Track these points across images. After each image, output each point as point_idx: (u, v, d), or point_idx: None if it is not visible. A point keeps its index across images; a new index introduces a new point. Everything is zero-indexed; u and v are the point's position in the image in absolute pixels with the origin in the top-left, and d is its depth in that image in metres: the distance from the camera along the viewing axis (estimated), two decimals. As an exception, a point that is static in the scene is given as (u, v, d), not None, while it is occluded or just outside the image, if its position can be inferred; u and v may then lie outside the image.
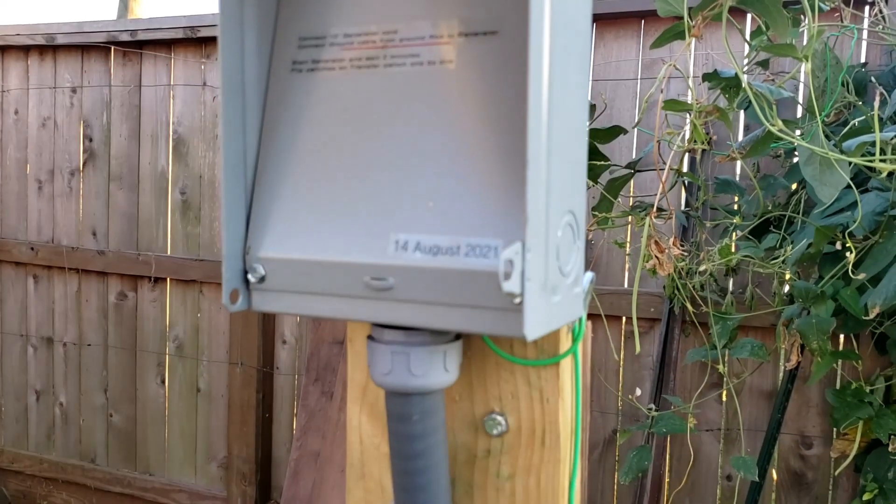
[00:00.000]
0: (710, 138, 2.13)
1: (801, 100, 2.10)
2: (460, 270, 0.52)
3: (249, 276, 0.59)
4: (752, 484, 2.20)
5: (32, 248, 3.35)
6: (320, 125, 0.57)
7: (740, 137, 2.28)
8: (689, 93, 1.14)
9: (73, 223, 3.32)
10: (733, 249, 1.79)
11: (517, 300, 0.49)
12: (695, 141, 1.94)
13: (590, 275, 0.59)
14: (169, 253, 3.17)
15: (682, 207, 1.95)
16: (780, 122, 1.16)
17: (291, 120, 0.58)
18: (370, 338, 0.59)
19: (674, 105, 1.21)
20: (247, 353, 3.01)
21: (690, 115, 1.25)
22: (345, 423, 2.75)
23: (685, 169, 2.10)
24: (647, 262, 1.27)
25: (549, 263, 0.51)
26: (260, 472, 3.03)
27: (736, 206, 2.01)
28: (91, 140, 3.27)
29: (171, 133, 3.14)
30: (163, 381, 3.23)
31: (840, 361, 2.27)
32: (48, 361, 3.41)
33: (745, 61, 1.78)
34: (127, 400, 3.29)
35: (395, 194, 0.54)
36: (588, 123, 0.48)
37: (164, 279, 3.18)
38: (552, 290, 0.52)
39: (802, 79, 2.04)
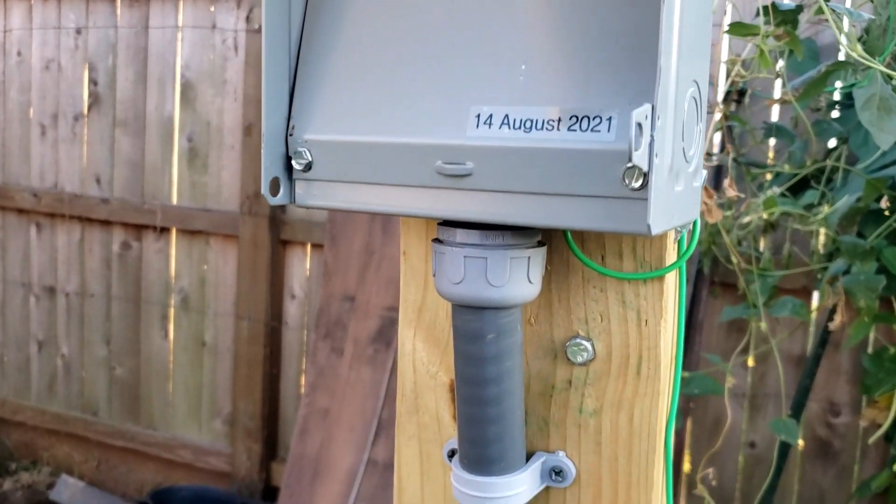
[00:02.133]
0: (747, 90, 2.02)
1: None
2: (560, 150, 0.42)
3: (294, 163, 0.49)
4: (778, 452, 2.11)
5: (35, 195, 3.25)
6: None
7: (777, 92, 2.17)
8: (759, 15, 1.04)
9: (76, 170, 3.21)
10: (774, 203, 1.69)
11: (637, 183, 0.40)
12: (735, 86, 1.82)
13: (706, 172, 0.49)
14: (175, 202, 3.07)
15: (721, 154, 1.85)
16: (859, 48, 1.05)
17: None
18: (437, 241, 0.49)
19: (739, 29, 1.10)
20: (254, 307, 2.93)
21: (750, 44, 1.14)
22: (354, 381, 2.67)
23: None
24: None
25: (675, 141, 0.41)
26: (266, 429, 2.96)
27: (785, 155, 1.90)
28: (96, 84, 3.16)
29: (178, 77, 3.02)
30: (167, 335, 3.15)
31: (874, 326, 2.18)
32: (50, 312, 3.33)
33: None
34: (130, 353, 3.21)
35: (476, 58, 0.44)
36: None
37: (170, 229, 3.09)
38: (676, 177, 0.43)
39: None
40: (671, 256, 0.52)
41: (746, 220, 1.51)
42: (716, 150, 1.88)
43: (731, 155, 1.46)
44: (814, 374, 2.13)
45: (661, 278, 0.51)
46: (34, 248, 3.33)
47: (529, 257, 0.48)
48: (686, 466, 2.42)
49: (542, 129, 0.42)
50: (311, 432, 2.71)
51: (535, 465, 0.54)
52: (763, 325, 1.67)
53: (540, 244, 0.50)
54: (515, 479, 0.52)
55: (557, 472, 0.55)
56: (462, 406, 0.51)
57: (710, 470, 1.76)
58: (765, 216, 1.62)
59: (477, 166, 0.44)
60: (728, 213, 1.67)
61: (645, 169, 0.39)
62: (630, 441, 0.54)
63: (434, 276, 0.50)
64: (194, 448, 3.07)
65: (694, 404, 2.41)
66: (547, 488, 0.56)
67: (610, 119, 0.40)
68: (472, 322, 0.49)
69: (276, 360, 2.98)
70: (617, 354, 0.53)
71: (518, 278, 0.48)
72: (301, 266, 2.95)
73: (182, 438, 3.11)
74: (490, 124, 0.43)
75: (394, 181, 0.47)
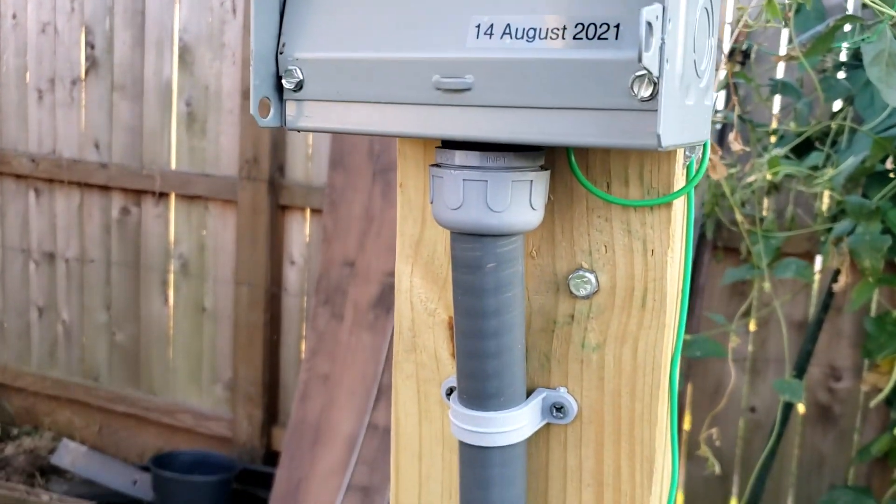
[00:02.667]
0: (753, 46, 1.99)
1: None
2: (565, 60, 0.40)
3: (284, 82, 0.47)
4: (779, 416, 2.11)
5: (33, 160, 3.23)
6: None
7: (783, 50, 2.14)
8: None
9: (74, 135, 3.19)
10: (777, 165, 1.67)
11: (647, 92, 0.38)
12: (741, 40, 1.79)
13: (716, 94, 0.48)
14: (174, 167, 3.05)
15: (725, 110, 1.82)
16: (870, -5, 1.03)
17: None
18: (435, 165, 0.47)
19: (747, -25, 1.08)
20: (254, 273, 2.92)
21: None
22: (354, 347, 2.67)
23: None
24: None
25: (686, 50, 0.39)
26: (267, 395, 2.96)
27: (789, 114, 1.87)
28: (93, 47, 3.12)
29: (176, 41, 2.99)
30: (167, 301, 3.14)
31: (877, 290, 2.17)
32: (50, 277, 3.32)
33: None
34: (130, 318, 3.21)
35: None
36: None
37: (169, 194, 3.07)
38: (686, 89, 0.41)
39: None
40: (679, 183, 0.50)
41: (750, 179, 1.49)
42: (720, 108, 1.86)
43: (737, 112, 1.44)
44: (816, 338, 2.12)
45: (668, 206, 0.49)
46: (33, 213, 3.31)
47: (532, 181, 0.46)
48: (687, 428, 2.43)
49: (545, 38, 0.40)
50: (311, 397, 2.71)
51: (536, 402, 0.53)
52: (766, 286, 1.65)
53: (543, 169, 0.48)
54: (515, 415, 0.51)
55: (558, 409, 0.54)
56: (461, 340, 0.49)
57: (714, 430, 1.76)
58: (769, 177, 1.60)
59: (477, 80, 0.42)
60: (733, 170, 1.64)
61: (655, 73, 0.37)
62: (634, 376, 0.52)
63: (432, 203, 0.48)
64: (195, 413, 3.08)
65: (696, 370, 2.41)
66: (548, 425, 0.55)
67: (618, 26, 0.38)
68: (471, 250, 0.47)
69: (276, 326, 2.98)
70: (621, 286, 0.51)
71: (520, 203, 0.46)
72: (300, 231, 2.93)
73: (183, 404, 3.12)
74: (491, 34, 0.41)
75: (389, 99, 0.45)
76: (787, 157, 1.87)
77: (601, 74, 0.39)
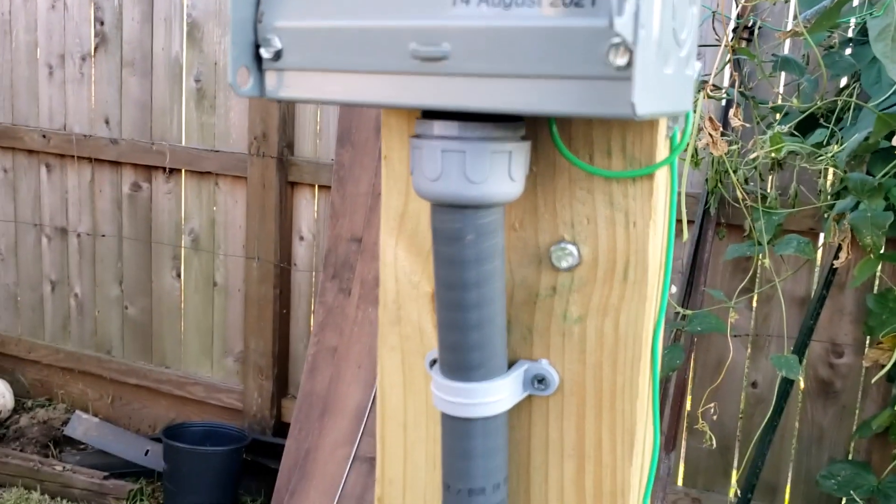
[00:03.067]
0: (757, 22, 1.98)
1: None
2: (541, 28, 0.40)
3: (262, 51, 0.48)
4: (779, 391, 2.13)
5: (44, 136, 3.26)
6: None
7: (788, 26, 2.13)
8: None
9: (85, 110, 3.21)
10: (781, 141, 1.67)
11: (623, 60, 0.38)
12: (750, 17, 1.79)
13: (699, 64, 0.48)
14: (184, 143, 3.07)
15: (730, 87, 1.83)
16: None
17: None
18: (415, 137, 0.48)
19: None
20: (264, 248, 2.95)
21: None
22: (361, 321, 2.70)
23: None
24: (697, 140, 1.16)
25: (664, 17, 0.40)
26: (277, 367, 3.00)
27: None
28: (102, 23, 3.13)
29: (185, 17, 3.00)
30: (178, 275, 3.18)
31: (879, 267, 2.18)
32: (62, 252, 3.36)
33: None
34: (142, 292, 3.25)
35: None
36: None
37: (179, 170, 3.09)
38: (665, 58, 0.41)
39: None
40: (662, 154, 0.50)
41: (753, 156, 1.50)
42: (723, 84, 1.86)
43: (737, 87, 1.44)
44: (818, 314, 2.14)
45: (650, 177, 0.49)
46: (45, 188, 3.35)
47: (511, 152, 0.46)
48: (689, 406, 2.45)
49: (522, 5, 0.40)
50: (320, 370, 2.75)
51: (517, 373, 0.53)
52: (767, 262, 1.67)
53: (523, 140, 0.48)
54: (496, 385, 0.51)
55: (540, 381, 0.54)
56: (441, 312, 0.50)
57: (713, 405, 1.78)
58: (772, 154, 1.61)
59: (454, 48, 0.42)
60: (734, 147, 1.65)
61: (629, 40, 0.37)
62: (615, 348, 0.53)
63: (412, 174, 0.48)
64: (206, 385, 3.13)
65: (698, 345, 2.43)
66: (530, 397, 0.55)
67: None
68: (451, 222, 0.47)
69: (285, 301, 3.01)
70: (603, 259, 0.52)
71: (499, 175, 0.46)
72: (309, 208, 2.96)
73: (194, 376, 3.17)
74: (468, 2, 0.42)
75: (367, 68, 0.45)
76: (791, 133, 1.87)
77: (578, 42, 0.39)
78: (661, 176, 0.51)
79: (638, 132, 0.49)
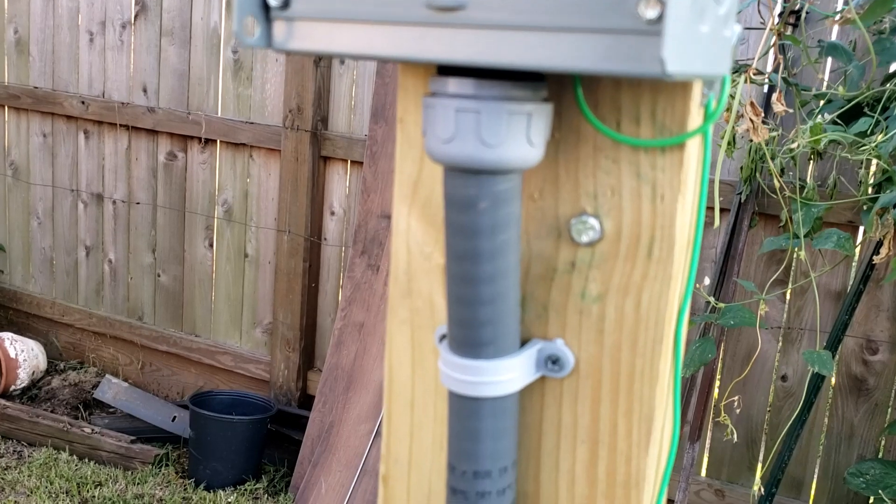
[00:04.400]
0: (804, 6, 1.93)
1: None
2: None
3: (269, 0, 0.45)
4: (809, 385, 2.09)
5: (83, 102, 3.29)
6: None
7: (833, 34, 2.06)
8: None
9: (123, 78, 3.23)
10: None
11: (653, 13, 0.35)
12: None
13: (739, 27, 0.45)
14: (219, 114, 3.08)
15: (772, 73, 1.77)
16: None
17: None
18: (428, 96, 0.45)
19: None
20: (295, 221, 2.96)
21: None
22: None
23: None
24: (738, 126, 1.12)
25: None
26: (304, 340, 3.02)
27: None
28: (143, -9, 3.15)
29: (224, -13, 3.00)
30: (210, 245, 3.20)
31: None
32: (98, 218, 3.40)
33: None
34: (174, 261, 3.28)
35: None
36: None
37: (215, 141, 3.11)
38: (700, 14, 0.38)
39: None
40: (695, 123, 0.46)
41: (793, 144, 1.46)
42: (766, 70, 1.81)
43: (782, 74, 1.40)
44: (853, 309, 2.09)
45: (681, 147, 0.46)
46: (82, 154, 3.38)
47: (531, 114, 0.43)
48: (716, 394, 2.42)
49: None
50: (346, 344, 2.76)
51: (530, 352, 0.51)
52: (803, 255, 1.62)
53: (545, 102, 0.45)
54: (507, 364, 0.48)
55: (554, 361, 0.51)
56: (452, 284, 0.47)
57: (737, 398, 1.75)
58: (813, 144, 1.57)
59: None
60: (774, 133, 1.61)
61: None
62: (636, 329, 0.50)
63: (424, 135, 0.45)
64: (235, 355, 3.16)
65: (728, 337, 2.39)
66: (542, 379, 0.53)
67: None
68: (464, 187, 0.44)
69: (315, 274, 3.02)
70: (627, 234, 0.48)
71: (516, 137, 0.43)
72: (341, 183, 2.95)
73: (223, 345, 3.19)
74: None
75: (379, 18, 0.42)
76: (834, 122, 1.82)
77: None
78: (693, 147, 0.47)
79: (670, 97, 0.46)
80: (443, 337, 0.52)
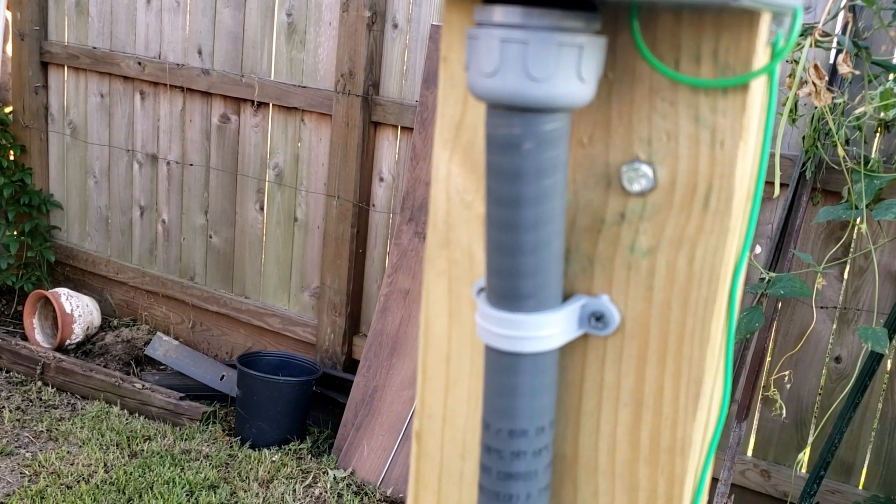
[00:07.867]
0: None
1: None
2: None
3: None
4: (864, 367, 2.03)
5: (139, 63, 3.32)
6: None
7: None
8: None
9: (179, 40, 3.26)
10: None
11: None
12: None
13: None
14: (272, 77, 3.08)
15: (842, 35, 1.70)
16: None
17: None
18: (473, 27, 0.42)
19: None
20: (344, 187, 2.96)
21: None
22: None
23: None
24: (800, 90, 1.07)
25: None
26: (350, 305, 3.03)
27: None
28: (200, -47, 3.15)
29: (280, -51, 2.99)
30: (261, 208, 3.23)
31: None
32: (152, 178, 3.45)
33: None
34: (226, 223, 3.32)
35: None
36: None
37: (267, 104, 3.12)
38: None
39: None
40: (761, 62, 0.42)
41: (859, 111, 1.40)
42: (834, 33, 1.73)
43: (849, 34, 1.33)
44: (915, 290, 2.01)
45: (744, 89, 0.42)
46: (138, 115, 3.43)
47: (582, 47, 0.40)
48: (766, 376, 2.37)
49: None
50: (391, 311, 2.76)
51: (573, 308, 0.48)
52: (863, 228, 1.56)
53: (598, 35, 0.42)
54: (548, 318, 0.46)
55: (598, 318, 0.49)
56: (492, 232, 0.44)
57: (787, 373, 1.70)
58: (882, 112, 1.50)
59: None
60: (839, 100, 1.54)
61: None
62: (688, 286, 0.46)
63: (467, 70, 0.42)
64: (282, 317, 3.19)
65: (781, 315, 2.33)
66: (585, 336, 0.50)
67: None
68: (507, 126, 0.40)
69: (362, 240, 3.03)
70: (682, 183, 0.45)
71: (566, 72, 0.39)
72: (391, 149, 2.94)
73: (272, 308, 3.23)
74: None
75: None
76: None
77: None
78: (758, 89, 0.44)
79: (735, 33, 0.42)
80: (481, 290, 0.50)
